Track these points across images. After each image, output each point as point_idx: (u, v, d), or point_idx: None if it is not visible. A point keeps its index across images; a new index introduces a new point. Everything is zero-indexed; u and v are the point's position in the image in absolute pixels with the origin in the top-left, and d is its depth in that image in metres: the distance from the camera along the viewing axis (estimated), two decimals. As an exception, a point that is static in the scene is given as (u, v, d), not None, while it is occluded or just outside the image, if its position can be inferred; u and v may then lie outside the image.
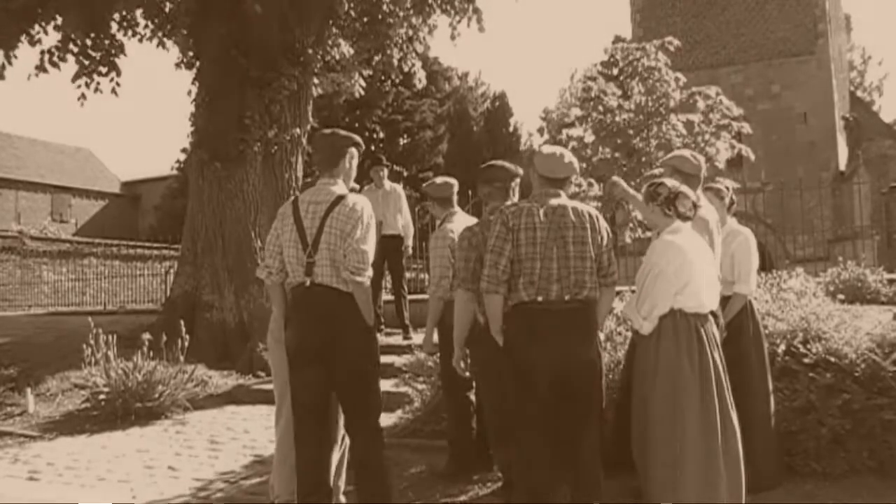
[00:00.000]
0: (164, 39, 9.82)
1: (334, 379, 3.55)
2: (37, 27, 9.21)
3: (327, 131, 3.82)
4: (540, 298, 3.32)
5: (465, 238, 3.94)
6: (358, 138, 3.82)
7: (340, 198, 3.57)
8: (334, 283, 3.51)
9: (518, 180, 4.11)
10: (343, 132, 3.81)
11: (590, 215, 3.48)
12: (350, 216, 3.53)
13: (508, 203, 3.78)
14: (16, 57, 9.37)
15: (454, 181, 4.89)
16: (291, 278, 3.63)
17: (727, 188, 4.45)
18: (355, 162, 3.80)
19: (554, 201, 3.45)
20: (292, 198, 3.77)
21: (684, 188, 3.59)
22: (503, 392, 3.51)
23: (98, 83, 9.50)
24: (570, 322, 3.35)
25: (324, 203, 3.57)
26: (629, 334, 4.11)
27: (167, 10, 9.63)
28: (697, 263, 3.45)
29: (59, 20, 9.07)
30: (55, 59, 9.23)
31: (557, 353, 3.30)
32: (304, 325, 3.56)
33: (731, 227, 4.33)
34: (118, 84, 9.60)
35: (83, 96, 9.46)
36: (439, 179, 4.88)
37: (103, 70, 9.51)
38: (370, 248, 3.56)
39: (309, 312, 3.55)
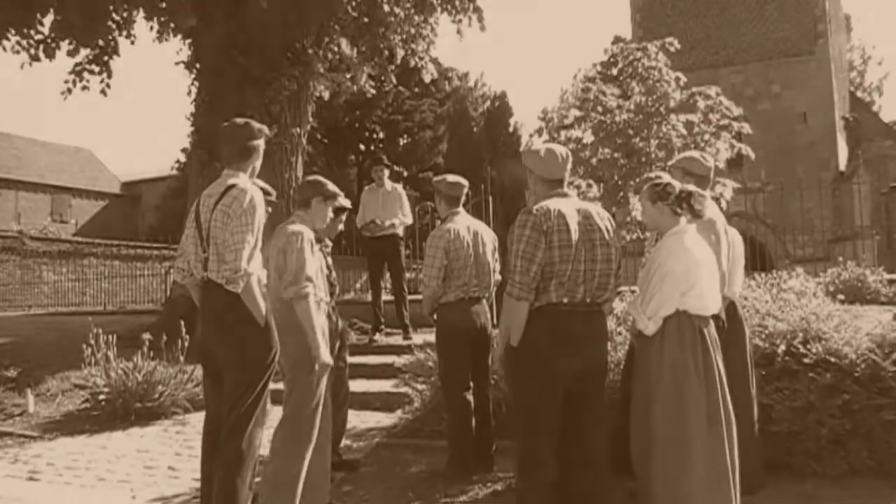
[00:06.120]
0: (165, 37, 9.80)
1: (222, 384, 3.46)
2: (33, 21, 9.21)
3: (240, 121, 3.59)
4: (566, 300, 3.26)
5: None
6: (266, 129, 3.62)
7: (230, 187, 3.36)
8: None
9: None
10: (256, 123, 3.59)
11: (607, 217, 3.45)
12: (229, 206, 3.29)
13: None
14: (12, 39, 9.32)
15: (466, 183, 4.83)
16: (195, 276, 3.50)
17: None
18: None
19: (576, 203, 3.39)
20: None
21: (693, 187, 3.57)
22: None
23: (87, 80, 9.50)
24: (590, 325, 3.33)
25: (215, 195, 3.40)
26: (629, 334, 4.10)
27: (166, 8, 9.62)
28: (704, 265, 3.42)
29: (58, 17, 9.06)
30: (49, 49, 9.23)
31: (578, 356, 3.28)
32: (202, 326, 3.49)
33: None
34: (108, 86, 9.59)
35: (69, 91, 9.45)
36: (452, 178, 4.80)
37: (95, 69, 9.50)
38: (248, 243, 3.27)
39: (202, 312, 3.47)
